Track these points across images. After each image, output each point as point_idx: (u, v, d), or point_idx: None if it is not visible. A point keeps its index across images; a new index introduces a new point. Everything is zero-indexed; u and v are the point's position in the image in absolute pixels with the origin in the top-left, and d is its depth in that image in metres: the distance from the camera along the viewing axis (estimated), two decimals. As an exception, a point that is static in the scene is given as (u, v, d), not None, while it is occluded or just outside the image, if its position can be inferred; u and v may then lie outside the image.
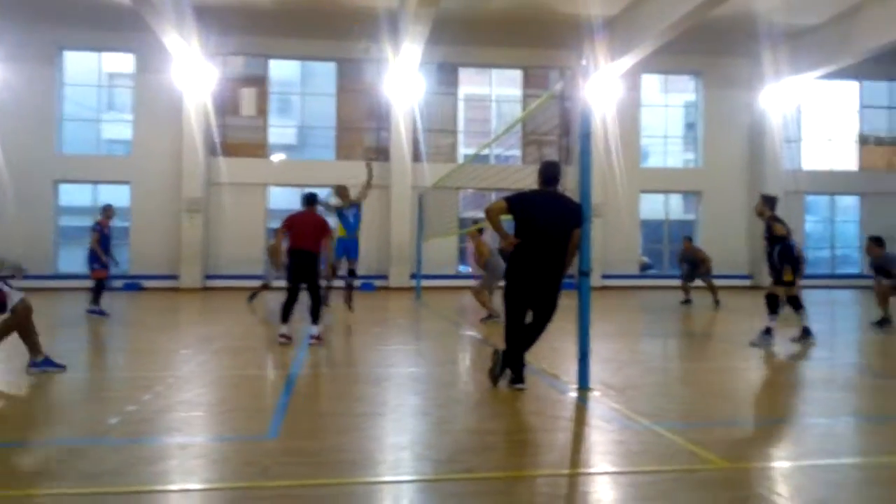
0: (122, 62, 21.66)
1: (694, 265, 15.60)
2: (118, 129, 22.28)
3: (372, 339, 9.38)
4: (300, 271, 8.39)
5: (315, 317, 8.45)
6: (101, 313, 11.84)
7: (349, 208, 11.80)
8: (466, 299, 15.53)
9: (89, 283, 12.25)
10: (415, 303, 15.60)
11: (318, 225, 8.60)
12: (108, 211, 12.24)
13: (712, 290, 15.26)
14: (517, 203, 5.56)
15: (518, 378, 5.47)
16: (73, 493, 3.16)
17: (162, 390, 5.44)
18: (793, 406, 5.18)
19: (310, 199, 8.88)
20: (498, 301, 10.65)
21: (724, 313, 13.44)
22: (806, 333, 8.43)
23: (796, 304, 8.47)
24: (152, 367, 6.89)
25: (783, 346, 8.10)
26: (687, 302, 15.34)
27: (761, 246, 8.98)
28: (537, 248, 5.45)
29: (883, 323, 10.11)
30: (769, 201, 8.70)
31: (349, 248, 11.54)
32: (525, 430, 4.52)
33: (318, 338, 8.28)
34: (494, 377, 5.59)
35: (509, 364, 5.54)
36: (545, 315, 5.56)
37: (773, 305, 8.39)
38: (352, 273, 11.68)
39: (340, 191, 11.86)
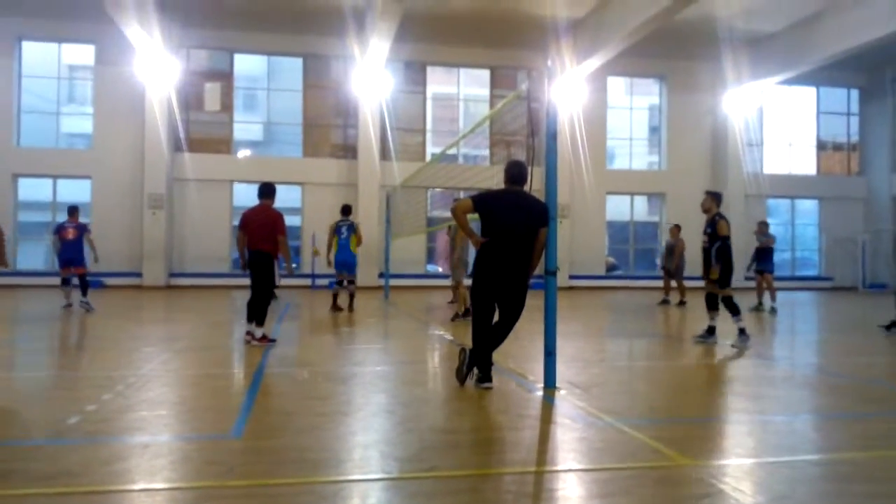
0: (82, 54, 21.17)
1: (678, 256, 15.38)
2: (78, 122, 21.76)
3: (339, 339, 9.32)
4: (252, 271, 8.11)
5: (257, 317, 7.98)
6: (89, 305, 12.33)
7: (342, 223, 12.40)
8: (435, 298, 15.54)
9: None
10: (383, 302, 15.54)
11: (270, 222, 8.07)
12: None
13: (682, 289, 15.42)
14: (483, 202, 5.56)
15: (485, 377, 5.48)
16: (28, 494, 3.07)
17: (123, 389, 5.33)
18: (753, 404, 5.29)
19: (264, 191, 8.30)
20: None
21: (687, 313, 13.67)
22: (710, 332, 8.47)
23: (732, 307, 8.43)
24: (113, 365, 6.74)
25: (725, 348, 8.21)
26: (683, 303, 15.19)
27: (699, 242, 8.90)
28: (503, 247, 5.45)
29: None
30: (717, 198, 8.72)
31: (343, 261, 12.32)
32: (491, 428, 4.54)
33: (263, 339, 7.92)
34: (462, 376, 5.60)
35: (476, 363, 5.54)
36: (512, 314, 5.57)
37: (712, 304, 8.50)
38: (345, 282, 12.56)
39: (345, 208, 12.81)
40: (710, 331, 8.49)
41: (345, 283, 12.56)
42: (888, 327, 9.80)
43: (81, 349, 8.58)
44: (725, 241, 8.41)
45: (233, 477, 3.34)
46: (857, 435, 4.40)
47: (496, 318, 5.63)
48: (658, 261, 16.15)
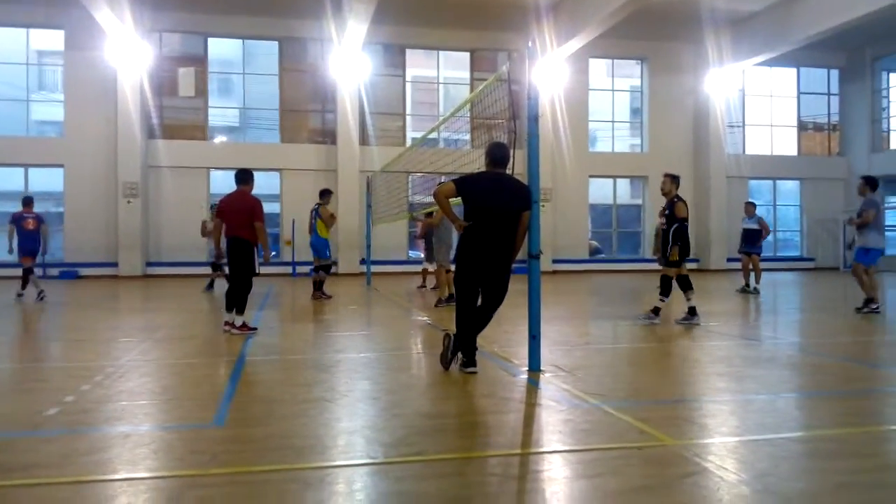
0: (51, 39, 20.67)
1: None
2: (49, 109, 21.29)
3: (321, 326, 9.26)
4: (230, 259, 8.03)
5: (237, 305, 7.90)
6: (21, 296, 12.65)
7: (314, 207, 12.48)
8: (417, 284, 15.49)
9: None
10: (365, 288, 15.48)
11: (247, 209, 7.89)
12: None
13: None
14: (465, 185, 5.49)
15: (470, 362, 5.45)
16: (6, 486, 3.00)
17: (102, 380, 5.24)
18: (736, 383, 5.33)
19: (241, 177, 8.12)
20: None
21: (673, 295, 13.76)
22: (692, 313, 8.57)
23: (685, 285, 8.61)
24: (91, 356, 6.64)
25: (670, 326, 8.35)
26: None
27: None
28: (486, 230, 5.39)
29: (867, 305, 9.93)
30: (675, 180, 8.88)
31: (311, 244, 12.52)
32: (476, 412, 4.52)
33: (243, 327, 7.85)
34: (446, 361, 5.57)
35: (461, 348, 5.51)
36: (495, 298, 5.54)
37: (666, 287, 8.64)
38: (318, 268, 12.51)
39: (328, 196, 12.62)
40: (692, 311, 8.57)
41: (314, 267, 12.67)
42: (866, 307, 9.92)
43: (58, 340, 8.45)
44: (683, 222, 8.56)
45: (216, 465, 3.29)
46: (839, 413, 4.45)
47: (479, 302, 5.60)
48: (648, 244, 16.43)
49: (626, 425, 3.97)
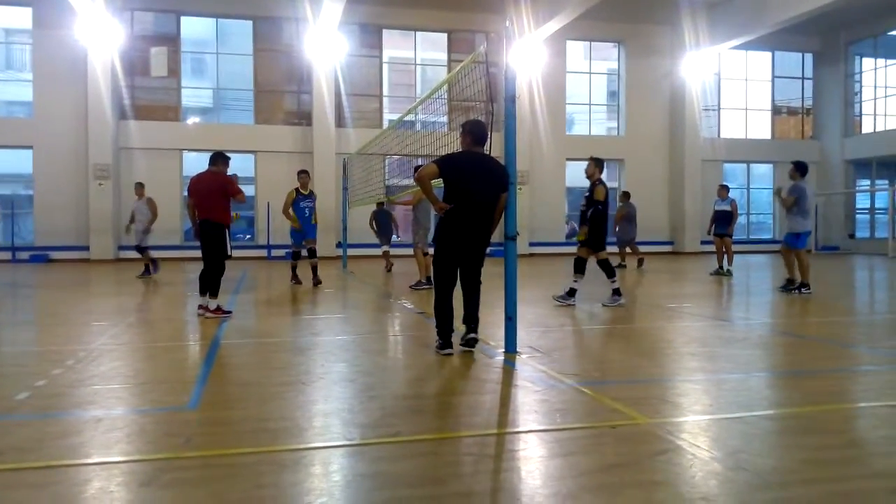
0: (18, 17, 20.13)
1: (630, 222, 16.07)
2: (17, 89, 20.80)
3: (297, 309, 9.20)
4: (202, 241, 7.84)
5: (210, 288, 7.79)
6: None
7: (305, 199, 11.72)
8: (394, 267, 15.47)
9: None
10: (341, 272, 15.41)
11: (219, 189, 7.74)
12: None
13: (622, 254, 16.12)
14: (448, 166, 5.43)
15: (446, 344, 5.47)
16: (-26, 474, 2.95)
17: (73, 364, 5.17)
18: (709, 363, 5.40)
19: (213, 159, 7.93)
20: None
21: (645, 277, 13.90)
22: (617, 293, 8.73)
23: (607, 269, 8.75)
24: (62, 340, 6.54)
25: (646, 308, 8.42)
26: (641, 262, 15.90)
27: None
28: (468, 211, 5.39)
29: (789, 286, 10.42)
30: (600, 164, 8.98)
31: (307, 233, 11.77)
32: (452, 393, 4.53)
33: (217, 310, 7.76)
34: (443, 349, 5.47)
35: (440, 329, 5.51)
36: (473, 278, 5.57)
37: (579, 268, 8.82)
38: (311, 252, 11.82)
39: (301, 177, 11.80)
40: (571, 292, 8.72)
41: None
42: (785, 287, 10.33)
43: (29, 324, 8.31)
44: (599, 205, 8.65)
45: (190, 448, 3.27)
46: (809, 391, 4.53)
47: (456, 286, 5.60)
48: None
49: (601, 405, 4.01)
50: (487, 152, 5.62)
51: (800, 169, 10.26)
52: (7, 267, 17.22)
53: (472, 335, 5.56)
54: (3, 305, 10.03)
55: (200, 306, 7.88)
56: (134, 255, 19.87)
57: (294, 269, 12.09)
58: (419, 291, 10.56)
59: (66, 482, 2.90)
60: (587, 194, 8.74)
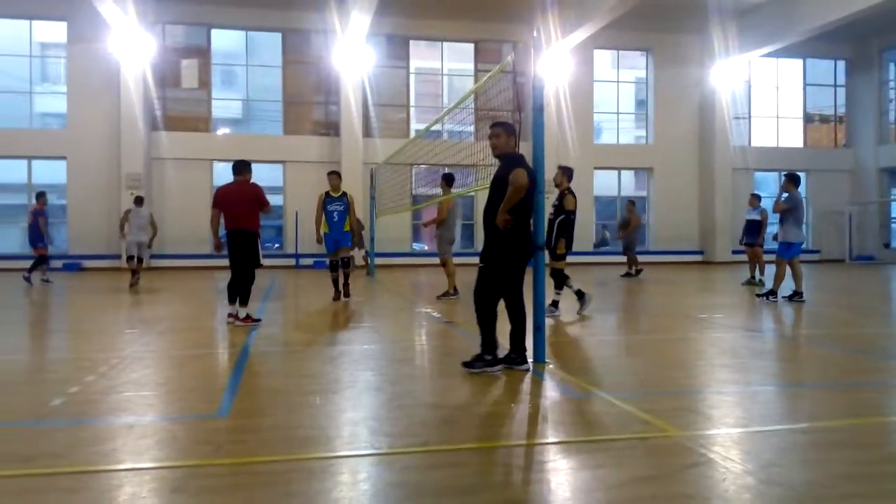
0: (54, 31, 20.66)
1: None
2: (52, 101, 21.31)
3: (324, 318, 9.25)
4: (232, 253, 7.86)
5: (241, 297, 7.82)
6: (29, 281, 13.90)
7: (334, 202, 10.48)
8: (421, 276, 15.49)
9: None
10: (368, 281, 15.48)
11: (252, 198, 7.81)
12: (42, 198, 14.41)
13: (631, 262, 16.17)
14: (530, 170, 5.15)
15: (495, 360, 5.18)
16: (11, 476, 3.01)
17: (106, 371, 5.25)
18: (741, 375, 5.31)
19: (238, 167, 7.95)
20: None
21: (674, 287, 13.74)
22: (554, 306, 8.54)
23: (558, 279, 8.62)
24: (95, 348, 6.64)
25: (674, 318, 8.29)
26: (629, 275, 15.86)
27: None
28: (527, 221, 5.20)
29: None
30: (569, 172, 8.87)
31: (339, 240, 10.52)
32: (480, 403, 4.51)
33: (247, 318, 7.81)
34: (489, 365, 5.19)
35: (486, 346, 5.19)
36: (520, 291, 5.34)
37: (559, 280, 8.65)
38: (343, 263, 10.67)
39: (330, 178, 10.65)
40: (554, 304, 8.59)
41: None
42: (763, 295, 10.52)
43: (62, 332, 8.47)
44: (570, 215, 8.56)
45: (220, 455, 3.29)
46: (845, 404, 4.43)
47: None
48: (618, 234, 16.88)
49: (631, 416, 3.96)
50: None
51: (793, 180, 10.42)
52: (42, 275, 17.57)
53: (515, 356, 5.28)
54: (39, 314, 10.24)
55: (230, 315, 7.95)
56: (164, 263, 20.30)
57: (335, 282, 10.65)
58: (447, 301, 10.55)
59: (98, 487, 2.94)
60: (556, 203, 8.68)
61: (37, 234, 14.16)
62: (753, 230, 13.82)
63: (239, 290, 7.87)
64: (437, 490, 2.89)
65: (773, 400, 4.49)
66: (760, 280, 13.55)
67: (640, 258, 16.70)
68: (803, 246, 10.76)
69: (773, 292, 10.29)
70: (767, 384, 4.97)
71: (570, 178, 8.74)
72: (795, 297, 10.15)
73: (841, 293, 13.13)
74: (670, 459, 3.24)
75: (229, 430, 3.77)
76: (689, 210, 23.84)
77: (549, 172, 7.01)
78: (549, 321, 6.71)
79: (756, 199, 14.20)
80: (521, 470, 3.18)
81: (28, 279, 13.94)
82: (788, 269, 10.32)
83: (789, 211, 10.17)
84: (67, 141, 20.17)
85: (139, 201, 14.08)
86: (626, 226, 16.35)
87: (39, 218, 14.16)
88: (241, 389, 4.75)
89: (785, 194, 10.41)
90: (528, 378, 5.07)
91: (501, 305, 5.31)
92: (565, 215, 8.51)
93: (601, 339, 7.27)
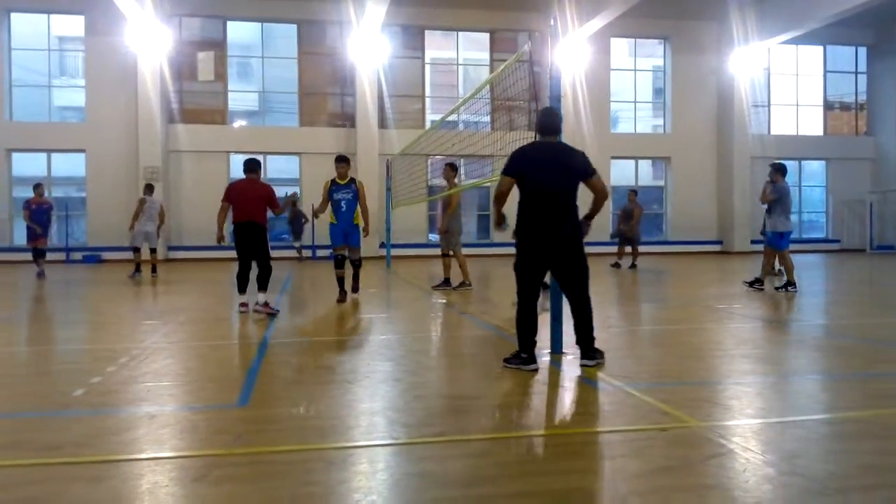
0: (71, 25, 20.82)
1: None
2: (70, 95, 21.50)
3: (341, 309, 9.28)
4: (244, 245, 8.13)
5: (262, 285, 8.10)
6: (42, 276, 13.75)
7: (341, 190, 9.46)
8: (437, 267, 15.48)
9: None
10: (384, 272, 15.51)
11: (265, 197, 8.20)
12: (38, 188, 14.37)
13: (636, 253, 16.00)
14: (515, 165, 5.00)
15: (530, 359, 4.93)
16: (36, 464, 3.06)
17: (127, 361, 5.31)
18: (760, 365, 5.27)
19: (251, 166, 8.39)
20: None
21: (692, 277, 13.63)
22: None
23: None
24: (116, 338, 6.73)
25: (693, 308, 8.21)
26: (634, 266, 15.70)
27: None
28: (538, 207, 4.93)
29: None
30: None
31: (347, 234, 9.43)
32: (499, 393, 4.51)
33: (266, 306, 7.99)
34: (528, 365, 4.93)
35: (522, 343, 4.98)
36: (577, 282, 5.04)
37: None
38: (353, 263, 9.66)
39: (336, 165, 9.60)
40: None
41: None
42: (751, 283, 10.52)
43: (83, 323, 8.57)
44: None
45: (240, 445, 3.32)
46: (867, 395, 4.37)
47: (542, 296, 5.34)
48: (620, 226, 16.52)
49: (650, 407, 3.93)
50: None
51: (780, 170, 10.39)
52: (61, 267, 17.82)
53: (588, 361, 5.02)
54: (60, 305, 10.37)
55: (241, 304, 8.14)
56: (182, 255, 20.47)
57: (340, 281, 9.47)
58: (462, 292, 10.56)
59: (120, 476, 2.98)
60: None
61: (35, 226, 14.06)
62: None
63: (259, 278, 8.09)
64: (456, 480, 2.90)
65: (794, 390, 4.45)
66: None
67: (656, 249, 16.50)
68: (804, 236, 10.74)
69: (791, 283, 10.18)
70: (787, 375, 4.92)
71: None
72: (789, 286, 10.11)
73: (862, 283, 12.97)
74: (690, 450, 3.22)
75: (249, 419, 3.80)
76: (708, 200, 23.60)
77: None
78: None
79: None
80: (540, 461, 3.18)
81: (41, 274, 13.83)
82: (777, 259, 10.38)
83: (777, 201, 10.16)
84: (86, 134, 20.35)
85: (149, 189, 14.09)
86: (630, 216, 15.99)
87: (24, 211, 14.11)
88: (260, 379, 4.78)
89: (772, 184, 10.33)
90: (545, 368, 5.05)
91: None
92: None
93: (618, 330, 7.23)
